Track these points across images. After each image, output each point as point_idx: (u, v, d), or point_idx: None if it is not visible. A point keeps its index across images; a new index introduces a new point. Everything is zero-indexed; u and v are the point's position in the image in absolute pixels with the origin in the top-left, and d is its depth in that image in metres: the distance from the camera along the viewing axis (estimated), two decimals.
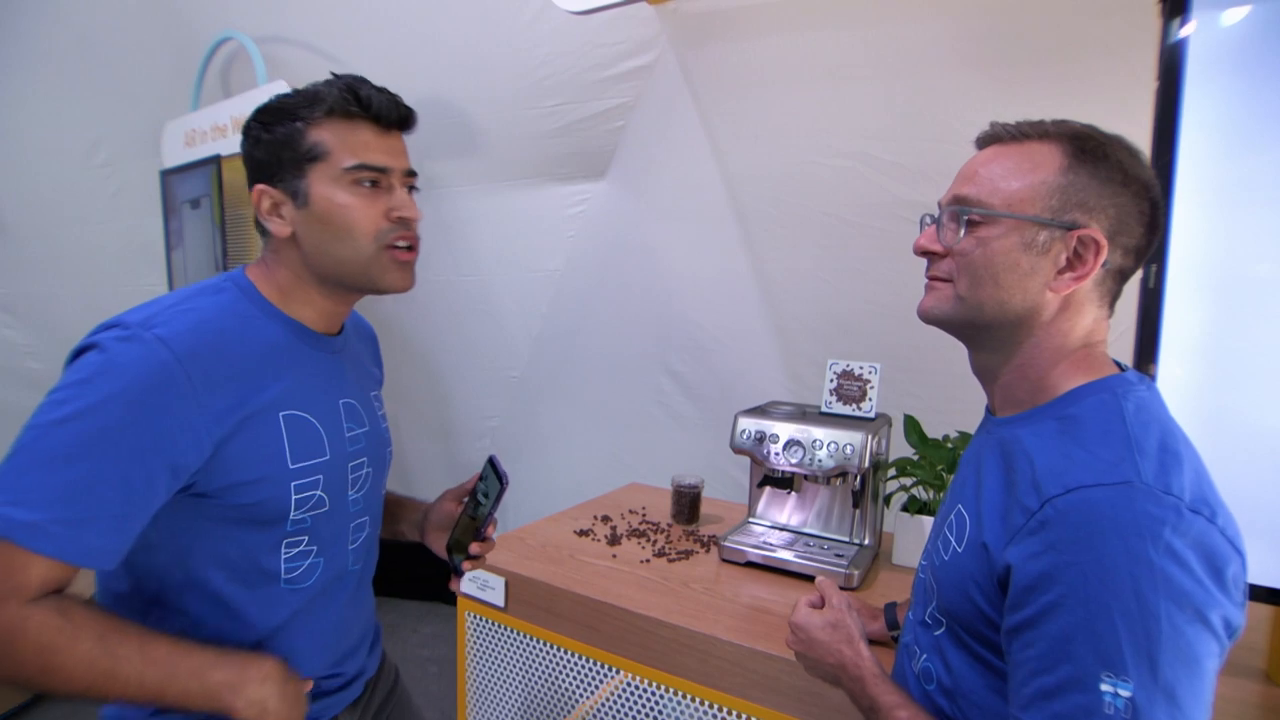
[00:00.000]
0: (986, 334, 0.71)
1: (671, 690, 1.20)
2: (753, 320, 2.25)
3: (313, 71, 2.52)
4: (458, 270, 2.43)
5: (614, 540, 1.56)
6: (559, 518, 1.71)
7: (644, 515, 1.75)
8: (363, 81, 0.79)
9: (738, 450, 1.49)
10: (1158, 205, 0.66)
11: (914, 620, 0.80)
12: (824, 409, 1.55)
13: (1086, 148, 0.66)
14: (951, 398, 1.73)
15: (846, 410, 1.53)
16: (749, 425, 1.48)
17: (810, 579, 1.37)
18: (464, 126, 2.26)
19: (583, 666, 1.31)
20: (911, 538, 1.47)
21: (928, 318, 0.74)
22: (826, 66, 1.89)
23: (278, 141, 0.78)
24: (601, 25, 2.01)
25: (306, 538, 0.81)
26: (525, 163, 2.29)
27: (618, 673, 1.26)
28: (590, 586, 1.32)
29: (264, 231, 0.82)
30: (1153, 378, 0.99)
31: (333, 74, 0.80)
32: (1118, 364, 0.70)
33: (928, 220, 0.75)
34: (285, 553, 0.80)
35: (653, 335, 2.42)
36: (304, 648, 0.84)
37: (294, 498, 0.78)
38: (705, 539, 1.59)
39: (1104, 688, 0.53)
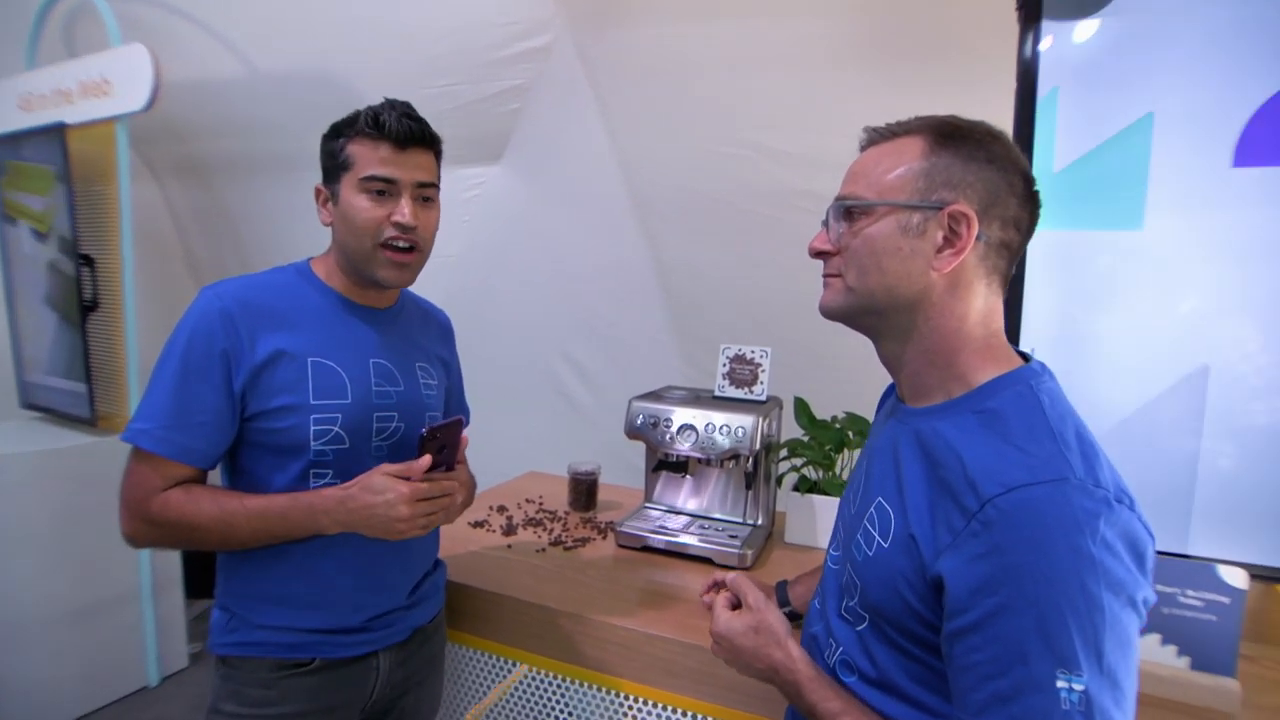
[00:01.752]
0: (882, 321, 0.73)
1: (573, 680, 1.19)
2: (650, 306, 2.27)
3: (175, 35, 2.33)
4: None
5: (510, 530, 1.53)
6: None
7: (541, 504, 1.73)
8: (392, 106, 0.97)
9: (632, 435, 1.50)
10: (1029, 178, 0.69)
11: (827, 612, 0.80)
12: (717, 393, 1.58)
13: (946, 132, 0.69)
14: (840, 380, 1.80)
15: (739, 394, 1.56)
16: (643, 410, 1.49)
17: (707, 561, 1.40)
18: (348, 104, 2.13)
19: (480, 661, 1.28)
20: (803, 516, 1.52)
21: (826, 312, 0.77)
22: (720, 57, 1.91)
23: (329, 151, 0.99)
24: (495, 3, 1.96)
25: (330, 471, 0.97)
26: None
27: (516, 665, 1.24)
28: (484, 578, 1.29)
29: (324, 221, 1.04)
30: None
31: (386, 99, 0.99)
32: (1020, 353, 0.73)
33: (822, 226, 0.78)
34: (313, 482, 0.97)
35: (550, 322, 2.39)
36: (329, 570, 0.99)
37: (312, 429, 0.95)
38: (602, 525, 1.59)
39: (1059, 684, 0.54)
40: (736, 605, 0.85)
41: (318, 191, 1.01)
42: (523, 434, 2.42)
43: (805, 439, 1.55)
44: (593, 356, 2.39)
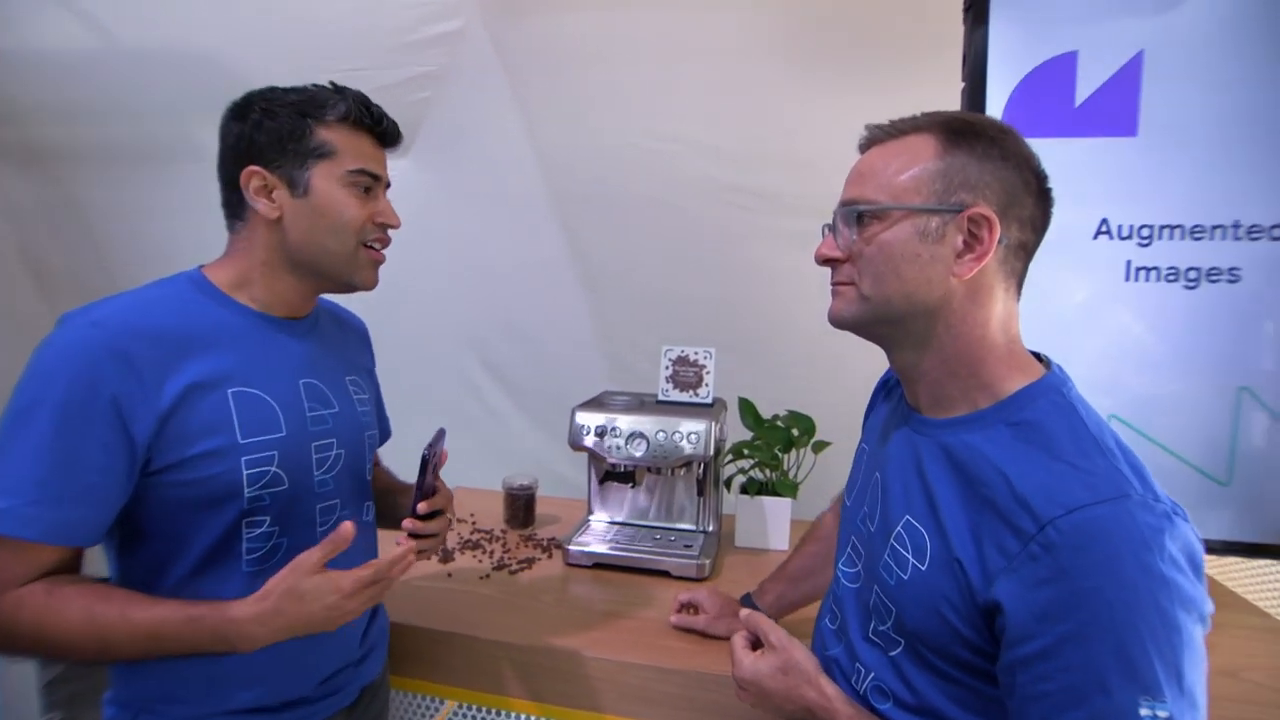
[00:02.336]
0: (900, 330, 0.69)
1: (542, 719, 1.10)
2: (572, 307, 2.17)
3: (13, 9, 1.99)
4: None
5: (447, 557, 1.41)
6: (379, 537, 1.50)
7: (474, 523, 1.61)
8: (367, 98, 0.88)
9: (577, 447, 1.41)
10: (1041, 174, 0.67)
11: (849, 634, 0.75)
12: (661, 397, 1.52)
13: (957, 129, 0.66)
14: (777, 379, 1.79)
15: (683, 397, 1.51)
16: (588, 420, 1.41)
17: (663, 574, 1.34)
18: (234, 87, 1.90)
19: (430, 709, 1.16)
20: (753, 519, 1.49)
21: (838, 322, 0.72)
22: (645, 47, 1.85)
23: (283, 131, 0.83)
24: None
25: (268, 518, 0.83)
26: None
27: (473, 709, 1.13)
28: (428, 616, 1.17)
29: (236, 214, 0.86)
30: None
31: (332, 84, 0.87)
32: (1034, 355, 0.71)
33: (825, 230, 0.74)
34: (247, 533, 0.81)
35: (464, 326, 2.25)
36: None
37: (245, 473, 0.80)
38: (545, 543, 1.50)
39: (1143, 712, 0.52)
40: (755, 643, 0.79)
41: (254, 175, 0.83)
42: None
43: (752, 440, 1.52)
44: (511, 361, 2.26)
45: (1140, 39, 1.11)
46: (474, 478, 1.91)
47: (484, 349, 2.25)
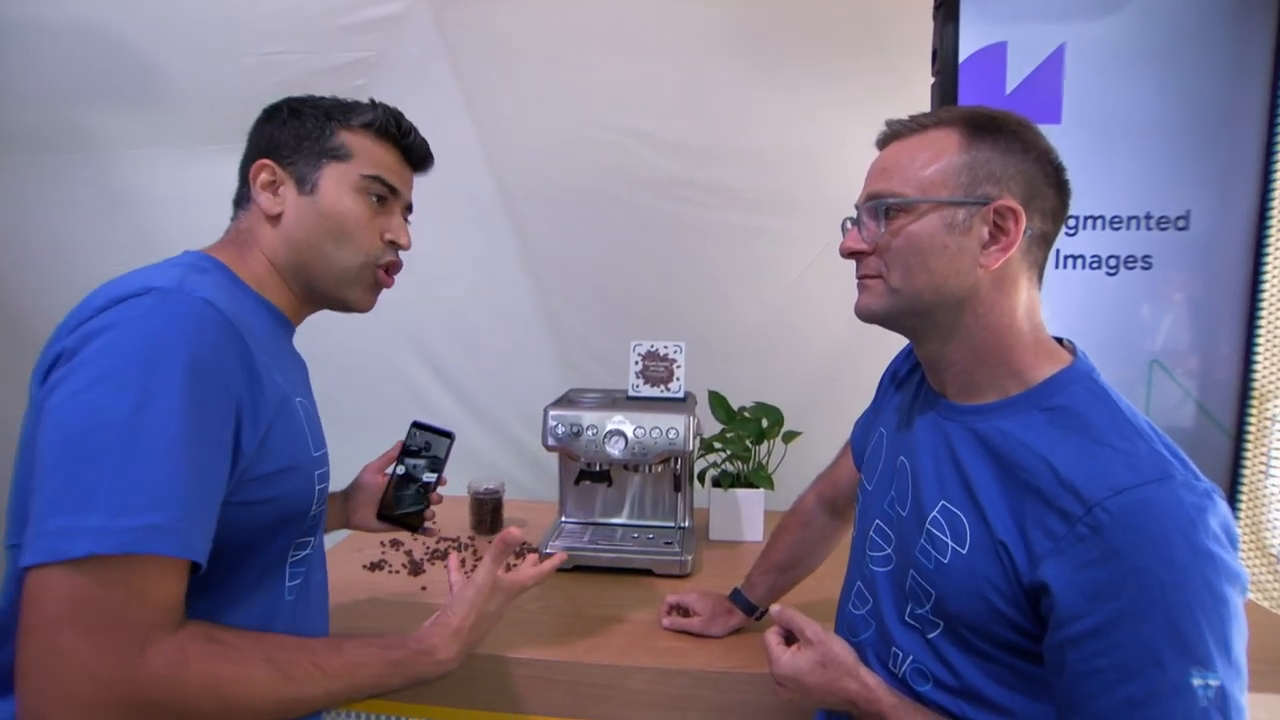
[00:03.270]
0: (928, 321, 0.71)
1: None
2: (520, 304, 2.11)
3: None
4: (147, 258, 1.87)
5: (416, 569, 1.34)
6: (336, 552, 1.41)
7: (440, 531, 1.54)
8: (401, 114, 0.84)
9: (552, 448, 1.37)
10: (1059, 166, 0.70)
11: (883, 618, 0.76)
12: (631, 393, 1.50)
13: (981, 124, 0.68)
14: (739, 371, 1.80)
15: (655, 392, 1.50)
16: (562, 418, 1.37)
17: (646, 572, 1.32)
18: (142, 71, 1.73)
19: None
20: (727, 512, 1.50)
21: (866, 315, 0.74)
22: (595, 37, 1.81)
23: (305, 129, 0.79)
24: None
25: (311, 540, 0.79)
26: (232, 125, 1.82)
27: None
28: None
29: (241, 205, 0.82)
30: None
31: (371, 100, 0.84)
32: (1059, 341, 0.73)
33: (848, 224, 0.75)
34: (293, 554, 0.77)
35: (408, 330, 2.14)
36: None
37: (316, 488, 0.76)
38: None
39: (1195, 683, 0.54)
40: (789, 639, 0.79)
41: (264, 168, 0.79)
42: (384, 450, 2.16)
43: (723, 433, 1.52)
44: (456, 361, 2.17)
45: (1063, 34, 1.18)
46: None
47: (430, 354, 2.15)
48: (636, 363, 1.51)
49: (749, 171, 1.85)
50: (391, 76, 1.86)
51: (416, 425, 1.03)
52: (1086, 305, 1.24)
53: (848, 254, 0.74)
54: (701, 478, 1.55)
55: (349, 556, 1.39)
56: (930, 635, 0.70)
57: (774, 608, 0.80)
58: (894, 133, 0.73)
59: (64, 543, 0.54)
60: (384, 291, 2.24)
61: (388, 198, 0.83)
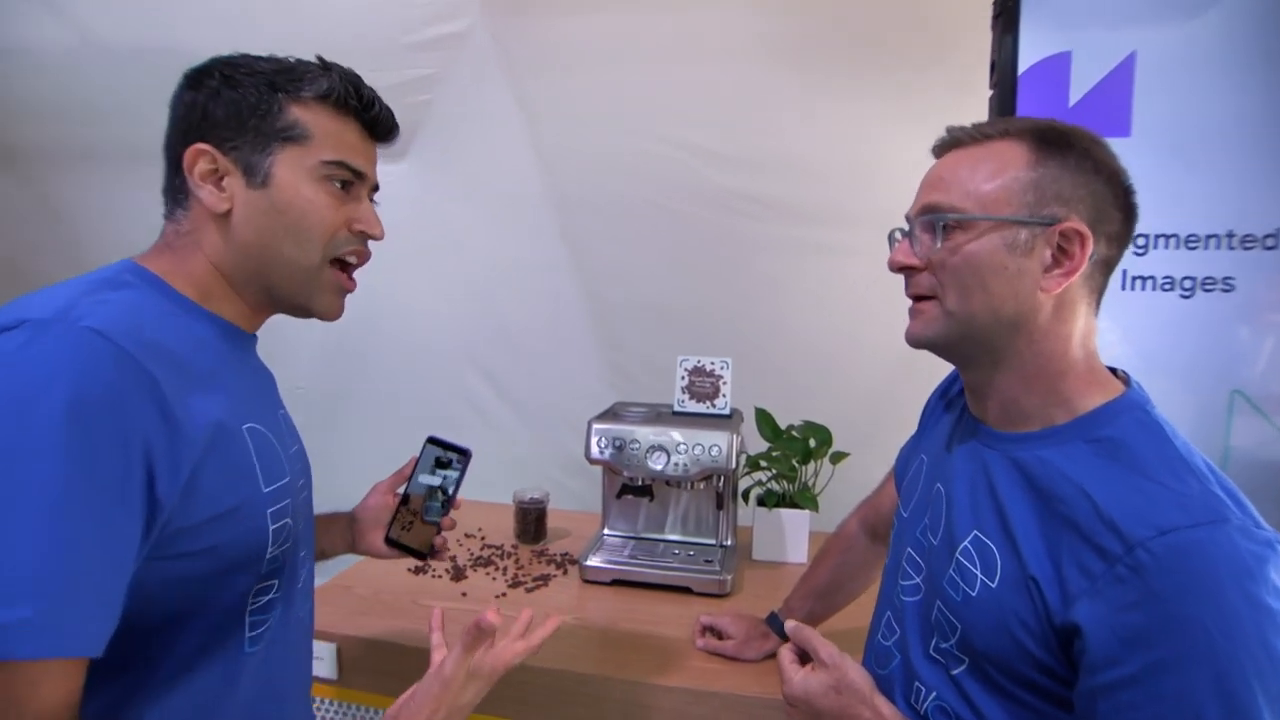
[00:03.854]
0: (983, 348, 0.67)
1: None
2: (572, 314, 2.13)
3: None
4: None
5: (458, 575, 1.36)
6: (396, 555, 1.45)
7: (483, 538, 1.56)
8: (359, 78, 0.71)
9: (595, 461, 1.37)
10: (1129, 189, 0.66)
11: (908, 651, 0.73)
12: (677, 408, 1.49)
13: (1050, 139, 0.64)
14: (788, 388, 1.77)
15: (700, 408, 1.48)
16: (605, 432, 1.37)
17: (685, 590, 1.31)
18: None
19: None
20: (771, 532, 1.47)
21: (919, 342, 0.69)
22: (649, 51, 1.82)
23: (246, 104, 0.65)
24: None
25: (275, 584, 0.68)
26: None
27: None
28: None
29: (177, 201, 0.68)
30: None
31: (319, 58, 0.70)
32: (1112, 370, 0.69)
33: (898, 235, 0.71)
34: (252, 601, 0.66)
35: (464, 335, 2.19)
36: None
37: (270, 528, 0.65)
38: (559, 558, 1.45)
39: None
40: (803, 657, 0.76)
41: (202, 155, 0.65)
42: None
43: (770, 451, 1.49)
44: (508, 368, 2.21)
45: (1133, 42, 1.11)
46: (475, 489, 1.85)
47: (484, 360, 2.20)
48: (683, 378, 1.50)
49: (804, 184, 1.82)
50: (453, 91, 1.92)
51: (431, 440, 0.93)
52: (1159, 330, 1.16)
53: (897, 268, 0.70)
54: (746, 496, 1.52)
55: (394, 561, 1.41)
56: (954, 671, 0.66)
57: (789, 624, 0.77)
58: (954, 140, 0.69)
59: None
60: (439, 297, 2.30)
61: (353, 183, 0.70)
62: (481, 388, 2.22)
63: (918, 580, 0.74)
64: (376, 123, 0.72)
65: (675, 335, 1.99)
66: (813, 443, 1.49)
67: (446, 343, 2.18)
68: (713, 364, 1.49)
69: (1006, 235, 0.63)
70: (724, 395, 1.47)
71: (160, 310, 0.62)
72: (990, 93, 1.16)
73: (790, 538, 1.46)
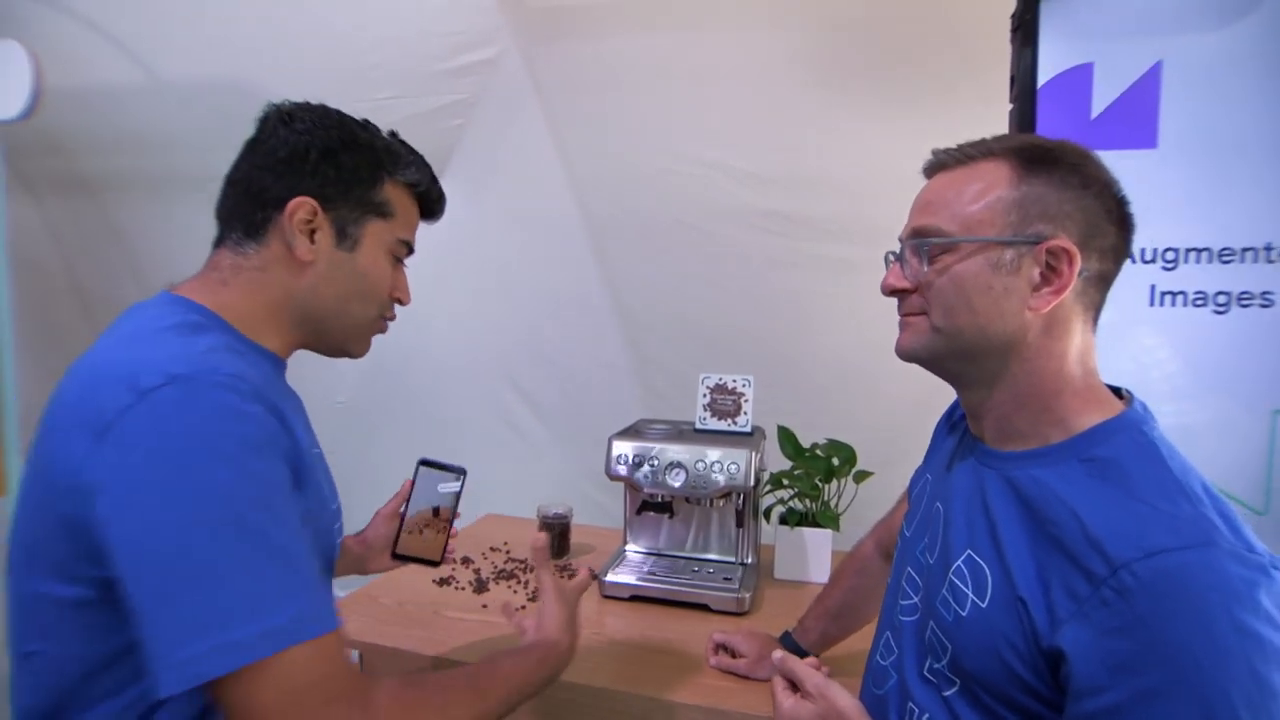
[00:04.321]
0: (972, 365, 0.67)
1: None
2: (604, 332, 2.16)
3: (59, 33, 2.04)
4: None
5: (481, 587, 1.39)
6: (413, 566, 1.49)
7: (508, 552, 1.59)
8: (432, 170, 0.81)
9: (614, 477, 1.39)
10: (1123, 201, 0.64)
11: (904, 671, 0.72)
12: (698, 425, 1.50)
13: (1034, 157, 0.64)
14: (813, 407, 1.76)
15: (722, 425, 1.49)
16: (625, 449, 1.39)
17: (703, 607, 1.30)
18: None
19: None
20: (793, 551, 1.45)
21: (907, 355, 0.70)
22: (677, 71, 1.85)
23: (357, 172, 0.73)
24: (438, 11, 1.81)
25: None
26: None
27: None
28: (463, 649, 1.15)
29: (250, 235, 0.71)
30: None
31: (400, 139, 0.79)
32: (1114, 390, 0.68)
33: (890, 258, 0.72)
34: None
35: (497, 352, 2.25)
36: None
37: (336, 542, 0.74)
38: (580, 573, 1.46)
39: None
40: (795, 685, 0.75)
41: (305, 207, 0.70)
42: (472, 471, 2.25)
43: (792, 470, 1.48)
44: (543, 386, 2.25)
45: (1158, 51, 1.08)
46: (507, 505, 1.89)
47: (517, 376, 2.25)
48: (704, 395, 1.51)
49: (832, 201, 1.81)
50: (485, 116, 1.98)
51: (424, 463, 0.98)
52: (1189, 347, 1.12)
53: (889, 291, 0.70)
54: (768, 514, 1.51)
55: (421, 572, 1.45)
56: (946, 693, 0.65)
57: (775, 654, 0.77)
58: (940, 163, 0.69)
59: (244, 651, 0.54)
60: (475, 316, 2.35)
61: (404, 258, 0.80)
62: (515, 404, 2.26)
63: (915, 600, 0.73)
64: (436, 211, 0.82)
65: (705, 352, 2.00)
66: (836, 461, 1.47)
67: (481, 359, 2.24)
68: (735, 381, 1.49)
69: (991, 256, 0.63)
70: (745, 413, 1.47)
71: (235, 345, 0.69)
72: (1010, 107, 1.14)
73: (812, 557, 1.45)
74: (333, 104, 0.88)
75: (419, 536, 0.98)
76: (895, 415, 1.76)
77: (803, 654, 1.08)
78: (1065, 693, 0.56)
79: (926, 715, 0.67)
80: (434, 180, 0.80)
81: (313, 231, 0.71)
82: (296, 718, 0.55)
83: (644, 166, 1.95)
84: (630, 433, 1.45)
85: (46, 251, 2.49)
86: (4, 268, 1.90)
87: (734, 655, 1.10)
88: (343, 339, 0.78)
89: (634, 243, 2.03)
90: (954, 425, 0.82)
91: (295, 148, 0.71)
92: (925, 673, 0.68)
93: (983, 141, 0.67)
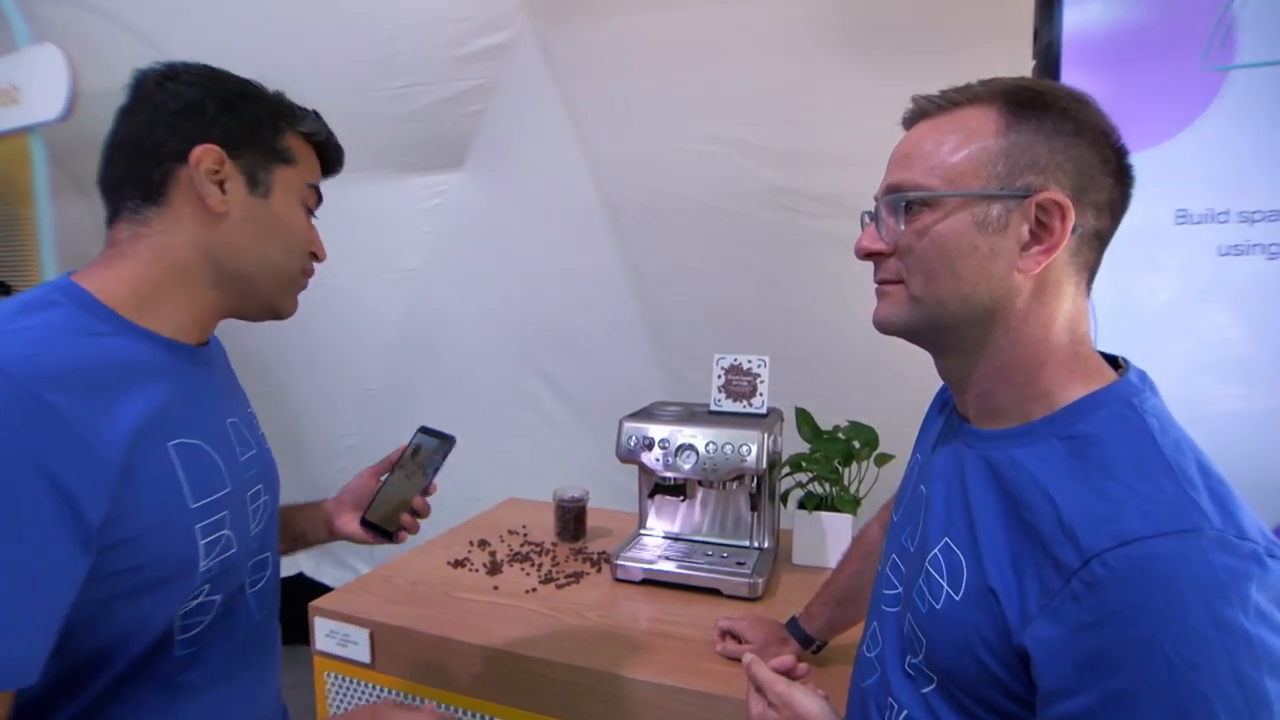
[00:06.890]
0: (954, 336, 0.61)
1: None
2: (625, 315, 2.15)
3: (92, 34, 2.12)
4: None
5: (494, 569, 1.40)
6: (429, 547, 1.51)
7: (525, 535, 1.59)
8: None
9: (625, 459, 1.37)
10: (1121, 150, 0.58)
11: (886, 665, 0.68)
12: (713, 407, 1.47)
13: (1023, 100, 0.57)
14: (836, 387, 1.71)
15: (736, 407, 1.45)
16: (635, 431, 1.37)
17: (714, 591, 1.28)
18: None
19: None
20: (811, 536, 1.42)
21: (884, 327, 0.64)
22: (694, 48, 1.81)
23: (256, 119, 0.70)
24: None
25: (208, 587, 0.68)
26: (371, 151, 2.03)
27: None
28: (470, 629, 1.15)
29: (149, 198, 0.66)
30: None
31: (280, 94, 0.76)
32: (1108, 357, 0.62)
33: (866, 218, 0.65)
34: (182, 620, 0.66)
35: (519, 335, 2.26)
36: None
37: (201, 543, 0.65)
38: (595, 557, 1.46)
39: None
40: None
41: (210, 154, 0.66)
42: (496, 456, 2.27)
43: (810, 452, 1.44)
44: (566, 370, 2.25)
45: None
46: (530, 489, 1.90)
47: (537, 359, 2.25)
48: (719, 376, 1.47)
49: (855, 177, 1.72)
50: (504, 100, 1.98)
51: (423, 430, 0.95)
52: (1270, 327, 1.03)
53: (863, 255, 0.64)
54: (785, 498, 1.47)
55: (437, 552, 1.47)
56: (924, 690, 0.61)
57: (745, 658, 0.74)
58: (920, 111, 0.62)
59: None
60: (499, 302, 2.36)
61: (313, 209, 0.78)
62: (538, 388, 2.27)
63: (899, 590, 0.69)
64: (335, 162, 0.81)
65: (725, 333, 1.97)
66: (856, 444, 1.42)
67: (502, 343, 2.25)
68: (750, 362, 1.46)
69: (976, 212, 0.57)
70: (761, 394, 1.44)
71: (81, 330, 0.61)
72: (1033, 63, 1.08)
73: (831, 542, 1.40)
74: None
75: (392, 508, 0.92)
76: (926, 394, 1.70)
77: (809, 640, 1.06)
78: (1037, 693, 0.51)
79: (905, 713, 0.62)
80: (330, 133, 0.78)
81: (221, 182, 0.67)
82: None
83: (662, 147, 1.92)
84: (642, 415, 1.43)
85: (95, 249, 2.59)
86: (53, 267, 1.99)
87: (740, 641, 1.08)
88: (270, 293, 0.74)
89: (654, 224, 2.01)
90: (945, 404, 0.77)
91: (189, 100, 0.67)
92: (906, 668, 0.64)
93: (968, 86, 0.60)
